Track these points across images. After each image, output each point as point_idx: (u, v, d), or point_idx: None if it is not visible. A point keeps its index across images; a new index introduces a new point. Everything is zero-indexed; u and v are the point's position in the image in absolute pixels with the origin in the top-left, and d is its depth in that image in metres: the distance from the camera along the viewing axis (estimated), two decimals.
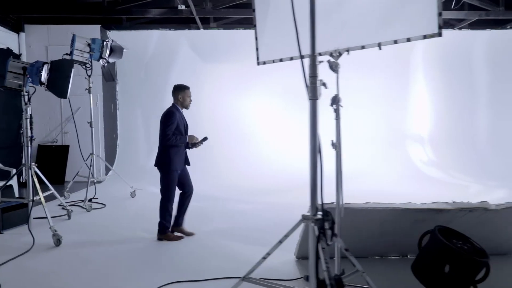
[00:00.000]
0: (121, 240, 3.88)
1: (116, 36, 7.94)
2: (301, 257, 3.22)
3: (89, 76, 5.49)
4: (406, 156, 8.19)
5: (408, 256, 3.23)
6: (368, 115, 8.02)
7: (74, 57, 5.17)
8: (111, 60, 5.46)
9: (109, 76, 5.64)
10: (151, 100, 8.30)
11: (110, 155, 7.89)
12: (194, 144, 3.85)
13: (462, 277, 2.19)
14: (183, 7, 6.63)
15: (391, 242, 3.12)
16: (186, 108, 3.98)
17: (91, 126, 5.73)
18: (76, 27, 7.35)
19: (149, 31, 7.91)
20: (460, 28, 7.85)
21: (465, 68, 8.30)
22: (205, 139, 3.90)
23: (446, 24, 7.90)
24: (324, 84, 2.19)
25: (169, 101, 8.70)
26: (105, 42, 5.41)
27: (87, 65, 5.37)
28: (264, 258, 2.34)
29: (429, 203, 2.45)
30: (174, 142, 3.73)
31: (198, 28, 7.75)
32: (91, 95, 5.67)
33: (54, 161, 7.37)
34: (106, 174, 7.61)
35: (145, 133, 8.29)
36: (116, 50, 5.41)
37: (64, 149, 7.45)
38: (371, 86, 8.11)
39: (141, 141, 8.27)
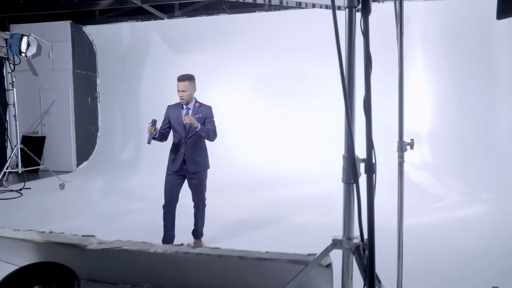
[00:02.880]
0: None
1: (91, 30, 8.17)
2: None
3: (12, 71, 5.65)
4: (394, 156, 6.74)
5: None
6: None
7: None
8: (29, 54, 5.53)
9: (34, 70, 5.72)
10: (127, 93, 8.37)
11: (86, 148, 8.18)
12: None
13: None
14: None
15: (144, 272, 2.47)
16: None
17: (15, 119, 5.91)
18: (50, 24, 7.73)
19: (118, 24, 7.91)
20: None
21: (481, 46, 6.43)
22: (153, 123, 3.05)
23: None
24: None
25: (144, 94, 8.68)
26: (24, 37, 5.49)
27: (10, 60, 5.53)
28: None
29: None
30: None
31: (163, 18, 7.48)
32: (14, 89, 5.84)
33: (33, 151, 7.92)
34: (78, 166, 7.93)
35: (122, 126, 8.41)
36: (32, 45, 5.47)
37: (42, 140, 7.95)
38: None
39: (119, 134, 8.41)
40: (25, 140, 8.05)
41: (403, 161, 2.02)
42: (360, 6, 1.30)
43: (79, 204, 5.18)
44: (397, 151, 2.03)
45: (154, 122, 3.05)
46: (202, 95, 7.88)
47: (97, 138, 8.47)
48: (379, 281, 1.35)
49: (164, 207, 3.17)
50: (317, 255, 1.40)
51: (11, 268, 1.70)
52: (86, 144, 8.14)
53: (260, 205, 5.08)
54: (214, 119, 3.27)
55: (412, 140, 1.98)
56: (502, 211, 4.64)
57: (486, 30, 6.25)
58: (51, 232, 1.72)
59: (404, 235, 3.72)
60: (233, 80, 7.67)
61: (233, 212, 4.71)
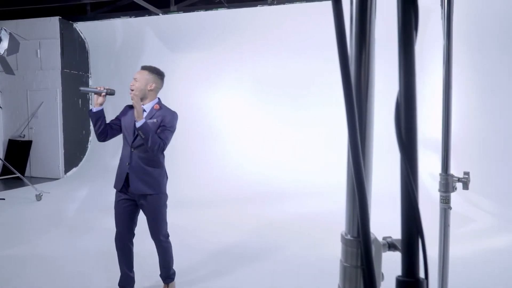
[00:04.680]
0: None
1: (83, 27, 7.63)
2: None
3: None
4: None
5: None
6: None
7: None
8: (2, 51, 4.97)
9: (8, 68, 5.17)
10: (121, 95, 7.76)
11: (76, 153, 7.62)
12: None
13: None
14: None
15: None
16: None
17: None
18: (38, 20, 7.22)
19: (111, 20, 7.34)
20: None
21: (510, 45, 5.64)
22: (107, 91, 2.41)
23: None
24: None
25: None
26: None
27: None
28: None
29: None
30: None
31: (158, 14, 6.89)
32: None
33: (19, 155, 7.41)
34: (66, 172, 7.37)
35: None
36: (3, 40, 4.91)
37: (28, 144, 7.43)
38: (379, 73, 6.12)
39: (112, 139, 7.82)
40: (11, 144, 7.55)
41: (450, 208, 1.28)
42: None
43: (52, 220, 4.58)
44: (439, 190, 1.29)
45: (110, 91, 2.39)
46: (200, 96, 7.31)
47: (89, 143, 7.92)
48: None
49: (115, 240, 2.47)
50: None
51: None
52: (76, 149, 7.59)
53: (257, 224, 4.40)
54: (176, 131, 2.45)
55: (466, 175, 1.23)
56: None
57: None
58: None
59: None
60: (232, 80, 7.03)
61: (224, 234, 4.03)
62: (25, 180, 5.60)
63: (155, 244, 2.49)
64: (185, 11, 6.88)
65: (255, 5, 6.54)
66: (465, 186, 1.24)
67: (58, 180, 7.14)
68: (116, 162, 7.80)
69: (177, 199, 3.66)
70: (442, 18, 1.34)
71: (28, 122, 7.42)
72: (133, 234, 2.48)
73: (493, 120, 5.69)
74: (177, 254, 2.67)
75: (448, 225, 1.29)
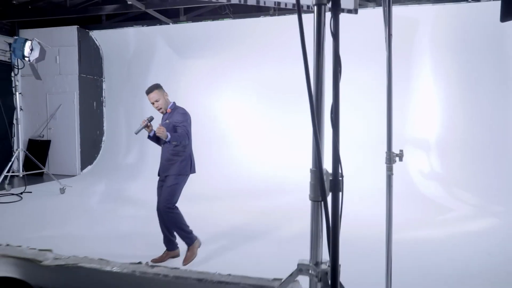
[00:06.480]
0: None
1: (97, 35, 8.21)
2: None
3: (16, 75, 5.69)
4: (403, 166, 6.51)
5: None
6: (358, 115, 6.57)
7: None
8: (32, 59, 5.55)
9: (37, 74, 5.75)
10: (133, 98, 8.36)
11: (91, 152, 8.19)
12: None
13: None
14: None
15: None
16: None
17: (17, 123, 5.94)
18: (57, 29, 7.81)
19: (124, 29, 7.93)
20: None
21: (491, 50, 6.18)
22: (148, 119, 3.14)
23: None
24: None
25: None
26: (27, 42, 5.52)
27: (14, 64, 5.56)
28: None
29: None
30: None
31: (168, 23, 7.47)
32: (17, 93, 5.86)
33: (38, 154, 7.97)
34: (82, 170, 7.94)
35: (127, 131, 8.40)
36: (35, 49, 5.49)
37: (47, 143, 7.99)
38: (362, 78, 6.67)
39: (123, 139, 8.40)
40: (31, 143, 8.11)
41: (392, 174, 1.87)
42: (329, 4, 1.18)
43: (77, 209, 5.14)
44: (385, 162, 1.88)
45: (149, 119, 3.13)
46: (206, 101, 7.88)
47: (102, 143, 8.48)
48: None
49: (157, 210, 3.19)
50: (282, 281, 1.27)
51: None
52: (91, 148, 8.16)
53: (257, 213, 4.95)
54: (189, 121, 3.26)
55: (401, 151, 1.83)
56: None
57: (497, 34, 6.00)
58: (7, 245, 1.64)
59: (406, 248, 3.56)
60: (237, 85, 7.59)
61: (231, 219, 4.60)
62: (51, 175, 6.17)
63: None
64: (193, 20, 7.46)
65: (258, 16, 7.13)
66: (400, 158, 1.81)
67: (75, 176, 7.69)
68: (128, 160, 8.33)
69: (188, 193, 4.22)
70: (385, 31, 1.89)
71: (47, 123, 8.00)
72: None
73: (475, 122, 6.23)
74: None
75: (391, 186, 1.85)
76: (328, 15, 1.21)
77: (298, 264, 1.23)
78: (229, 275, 1.34)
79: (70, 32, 7.71)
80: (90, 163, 8.12)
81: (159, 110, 3.21)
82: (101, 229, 4.22)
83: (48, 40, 7.67)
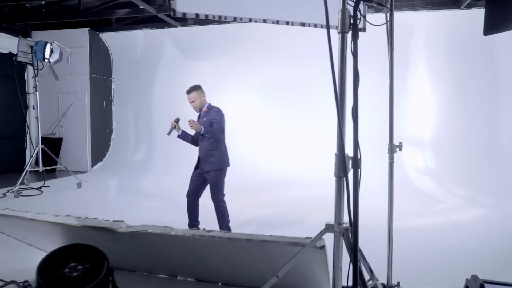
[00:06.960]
0: None
1: (107, 37, 8.55)
2: None
3: (36, 75, 6.01)
4: (399, 162, 6.93)
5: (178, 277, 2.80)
6: (359, 113, 6.97)
7: (19, 59, 5.74)
8: (52, 60, 5.88)
9: (55, 74, 6.08)
10: (141, 98, 8.72)
11: (101, 149, 8.52)
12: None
13: None
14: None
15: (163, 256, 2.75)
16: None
17: (37, 121, 6.27)
18: (69, 31, 8.13)
19: (134, 31, 8.27)
20: (468, 7, 6.31)
21: (483, 55, 6.62)
22: (176, 120, 3.53)
23: (452, 2, 6.45)
24: None
25: (156, 99, 9.01)
26: (48, 45, 5.85)
27: (34, 66, 5.89)
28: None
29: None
30: None
31: (176, 26, 7.83)
32: (37, 93, 6.17)
33: (51, 151, 8.27)
34: (92, 166, 8.27)
35: (135, 129, 8.75)
36: (55, 52, 5.82)
37: (59, 141, 8.32)
38: (363, 78, 7.06)
39: (131, 136, 8.74)
40: (43, 141, 8.35)
41: (393, 162, 2.27)
42: (351, 32, 1.59)
43: (96, 202, 5.49)
44: (388, 152, 2.28)
45: (176, 120, 3.51)
46: (213, 100, 8.22)
47: (111, 140, 8.82)
48: (364, 259, 1.59)
49: (187, 196, 3.59)
50: (312, 238, 1.65)
51: (51, 248, 1.98)
52: (100, 145, 8.49)
53: (267, 207, 5.34)
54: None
55: (400, 142, 2.22)
56: (501, 215, 4.81)
57: (486, 39, 6.41)
58: (86, 217, 2.00)
59: (403, 234, 3.96)
60: (241, 85, 7.96)
61: (242, 211, 4.97)
62: (70, 171, 6.48)
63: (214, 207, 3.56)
64: (200, 24, 7.82)
65: None
66: (400, 149, 2.22)
67: (86, 173, 8.03)
68: (137, 157, 8.70)
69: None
70: (387, 36, 2.28)
71: (59, 122, 8.32)
72: (198, 196, 3.62)
73: (467, 122, 6.66)
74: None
75: (393, 171, 2.26)
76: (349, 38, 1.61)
77: (326, 224, 1.62)
78: (271, 235, 1.72)
79: (82, 34, 8.04)
80: (100, 160, 8.46)
81: (194, 108, 3.63)
82: (126, 219, 4.56)
83: (61, 42, 7.99)
